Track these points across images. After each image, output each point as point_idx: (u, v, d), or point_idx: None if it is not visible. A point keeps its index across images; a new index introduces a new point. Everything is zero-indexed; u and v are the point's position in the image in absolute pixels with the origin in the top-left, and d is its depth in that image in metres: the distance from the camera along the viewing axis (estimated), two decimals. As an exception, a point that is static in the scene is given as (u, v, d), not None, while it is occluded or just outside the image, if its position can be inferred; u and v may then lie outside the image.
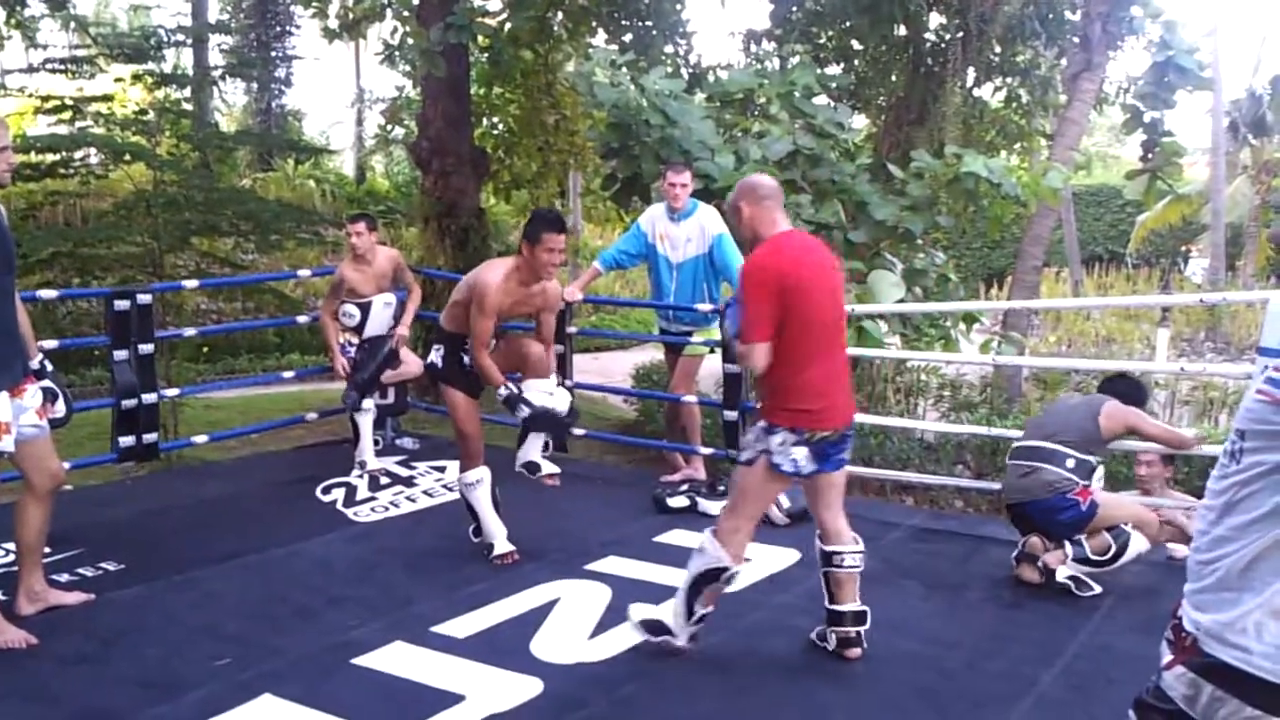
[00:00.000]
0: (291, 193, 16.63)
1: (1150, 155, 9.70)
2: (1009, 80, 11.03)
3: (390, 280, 6.23)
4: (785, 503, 5.26)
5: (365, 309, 6.11)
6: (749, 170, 6.61)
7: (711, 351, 6.09)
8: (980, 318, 7.91)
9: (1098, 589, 4.30)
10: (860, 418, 6.53)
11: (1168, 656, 1.87)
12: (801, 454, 3.52)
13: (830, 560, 3.70)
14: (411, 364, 6.23)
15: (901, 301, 6.54)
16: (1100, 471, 4.52)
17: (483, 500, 4.67)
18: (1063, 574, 4.36)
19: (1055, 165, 7.80)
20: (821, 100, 8.13)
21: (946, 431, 6.60)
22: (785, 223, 3.64)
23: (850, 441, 3.69)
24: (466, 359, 4.52)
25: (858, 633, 3.69)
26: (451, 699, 3.35)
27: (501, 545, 4.66)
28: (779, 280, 3.46)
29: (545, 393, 4.60)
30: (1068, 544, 4.35)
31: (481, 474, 4.67)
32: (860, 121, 11.34)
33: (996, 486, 5.03)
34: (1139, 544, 4.36)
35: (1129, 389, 4.69)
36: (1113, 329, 15.41)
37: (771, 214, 3.61)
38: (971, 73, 10.49)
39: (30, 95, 8.47)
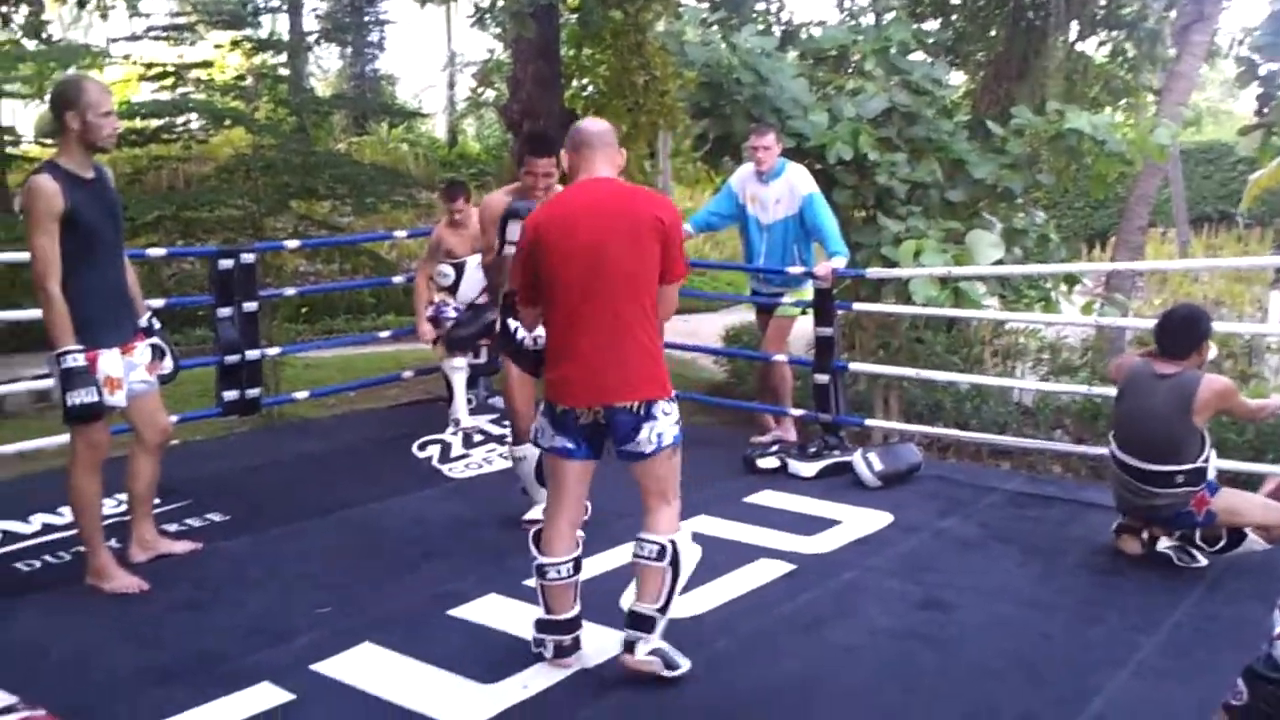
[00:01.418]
0: (385, 156, 16.87)
1: (1266, 110, 9.28)
2: (1115, 34, 10.63)
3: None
4: (878, 464, 5.21)
5: (459, 269, 6.18)
6: (844, 129, 6.50)
7: (803, 313, 6.02)
8: (1082, 279, 7.70)
9: (1203, 561, 4.16)
10: (954, 378, 6.47)
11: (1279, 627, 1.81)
12: (543, 423, 3.23)
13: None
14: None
15: (1000, 262, 6.39)
16: (1213, 458, 4.23)
17: (529, 473, 4.48)
18: (1165, 544, 4.22)
19: (1163, 121, 7.51)
20: (918, 56, 7.94)
21: (1046, 393, 6.47)
22: (602, 170, 3.21)
23: (642, 428, 3.11)
24: (514, 325, 4.10)
25: (634, 639, 3.19)
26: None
27: (535, 513, 4.46)
28: (528, 237, 3.18)
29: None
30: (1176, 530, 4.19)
31: (528, 450, 4.39)
32: (958, 78, 11.05)
33: (1098, 451, 4.87)
34: (1255, 545, 4.08)
35: (1193, 336, 4.08)
36: (1222, 291, 14.85)
37: (589, 162, 3.21)
38: (1075, 26, 10.14)
39: (134, 63, 8.73)
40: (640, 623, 3.16)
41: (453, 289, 6.26)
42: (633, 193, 3.24)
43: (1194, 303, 6.04)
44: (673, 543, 3.15)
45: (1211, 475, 4.10)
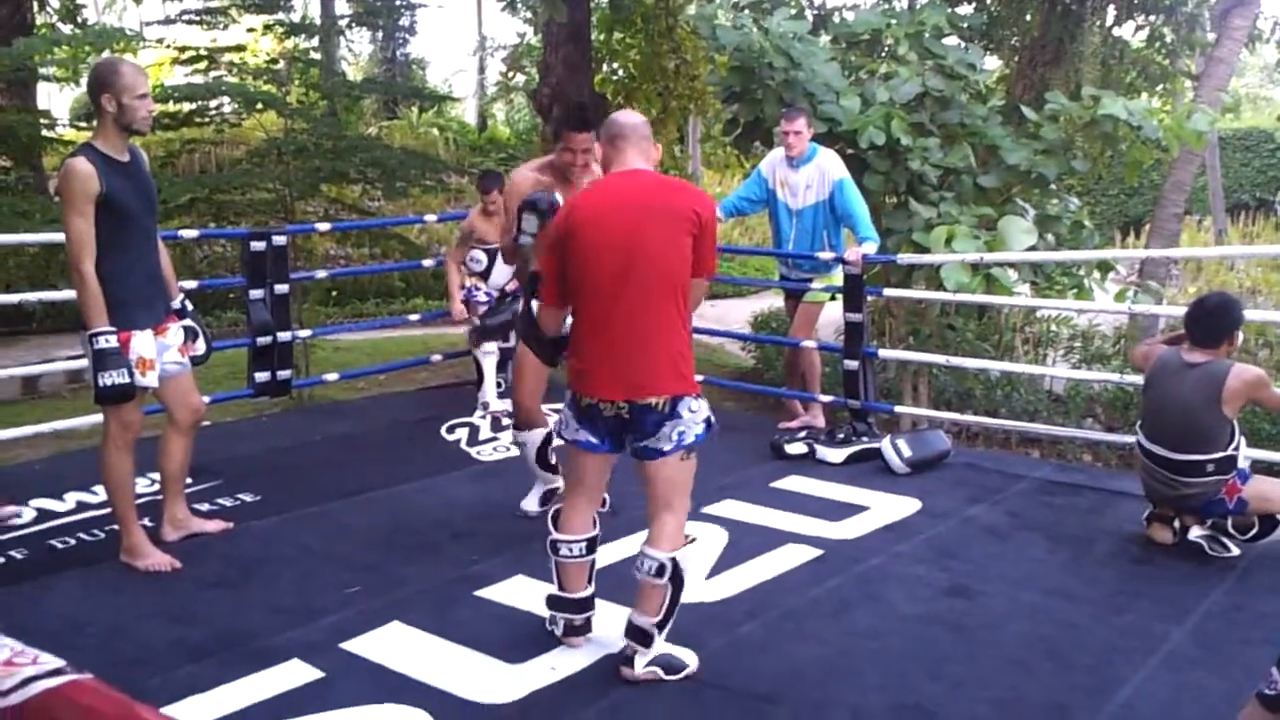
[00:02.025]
0: (415, 140, 16.93)
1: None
2: (1152, 18, 10.47)
3: None
4: (906, 451, 5.19)
5: (491, 255, 6.22)
6: (876, 113, 6.46)
7: (833, 299, 6.00)
8: (1116, 267, 7.61)
9: (1235, 551, 4.12)
10: (985, 365, 6.42)
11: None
12: (567, 415, 3.21)
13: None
14: None
15: (1033, 249, 6.33)
16: (1243, 446, 4.19)
17: (531, 458, 4.44)
18: (1196, 533, 4.18)
19: (1201, 107, 7.40)
20: (952, 41, 7.85)
21: (1077, 382, 6.41)
22: (636, 163, 3.15)
23: (665, 425, 3.06)
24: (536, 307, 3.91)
25: (632, 652, 3.13)
26: (571, 634, 3.42)
27: (530, 504, 4.54)
28: (560, 229, 3.11)
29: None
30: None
31: (529, 437, 4.39)
32: (992, 63, 10.92)
33: (1128, 439, 4.81)
34: None
35: (1223, 324, 4.04)
36: (1258, 280, 14.63)
37: (622, 154, 3.15)
38: (1111, 11, 10.00)
39: (168, 46, 8.78)
40: (638, 636, 3.12)
41: (484, 275, 6.32)
42: (669, 185, 3.19)
43: (1226, 291, 5.95)
44: (673, 561, 3.08)
45: (1242, 463, 4.06)
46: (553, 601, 3.35)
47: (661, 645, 3.13)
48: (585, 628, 3.34)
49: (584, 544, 3.27)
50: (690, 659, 3.18)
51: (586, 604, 3.33)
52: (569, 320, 3.26)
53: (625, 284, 3.02)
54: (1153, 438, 4.14)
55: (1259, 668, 1.89)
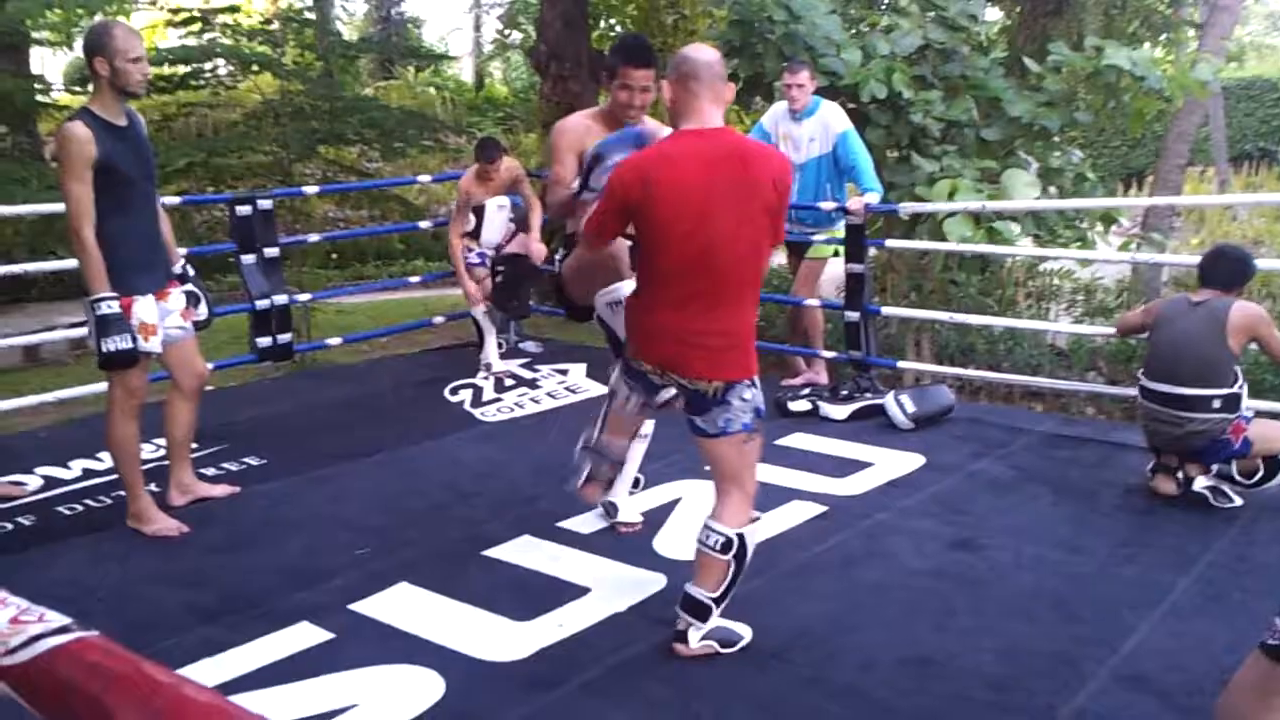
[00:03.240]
0: (412, 100, 16.78)
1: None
2: (1156, -35, 10.37)
3: (507, 191, 6.29)
4: (910, 406, 5.20)
5: (479, 211, 6.20)
6: (877, 66, 6.40)
7: (835, 254, 5.97)
8: (1119, 217, 7.58)
9: (1238, 501, 4.14)
10: (987, 320, 6.40)
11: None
12: (620, 370, 3.16)
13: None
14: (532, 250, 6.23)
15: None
16: (1245, 391, 4.23)
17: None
18: (1201, 483, 4.19)
19: (1205, 56, 7.34)
20: (953, -8, 7.76)
21: (1080, 336, 6.40)
22: (710, 111, 2.88)
23: (713, 410, 2.95)
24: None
25: (686, 626, 3.05)
26: (578, 590, 3.44)
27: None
28: (634, 193, 2.83)
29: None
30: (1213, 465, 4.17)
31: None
32: (994, 14, 10.81)
33: (1131, 392, 4.82)
34: None
35: (1235, 269, 4.16)
36: (1260, 231, 14.57)
37: (696, 101, 2.86)
38: (1115, -41, 9.88)
39: (161, 8, 8.70)
40: (695, 609, 3.02)
41: (474, 234, 6.28)
42: (751, 154, 2.90)
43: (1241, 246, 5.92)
44: (740, 536, 2.97)
45: (1245, 405, 4.09)
46: (585, 445, 3.28)
47: (716, 619, 3.06)
48: (608, 482, 3.34)
49: (640, 400, 3.16)
50: (745, 631, 3.12)
51: (619, 462, 3.34)
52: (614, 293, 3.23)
53: (699, 262, 2.84)
54: (1158, 376, 4.18)
55: (1263, 617, 1.89)
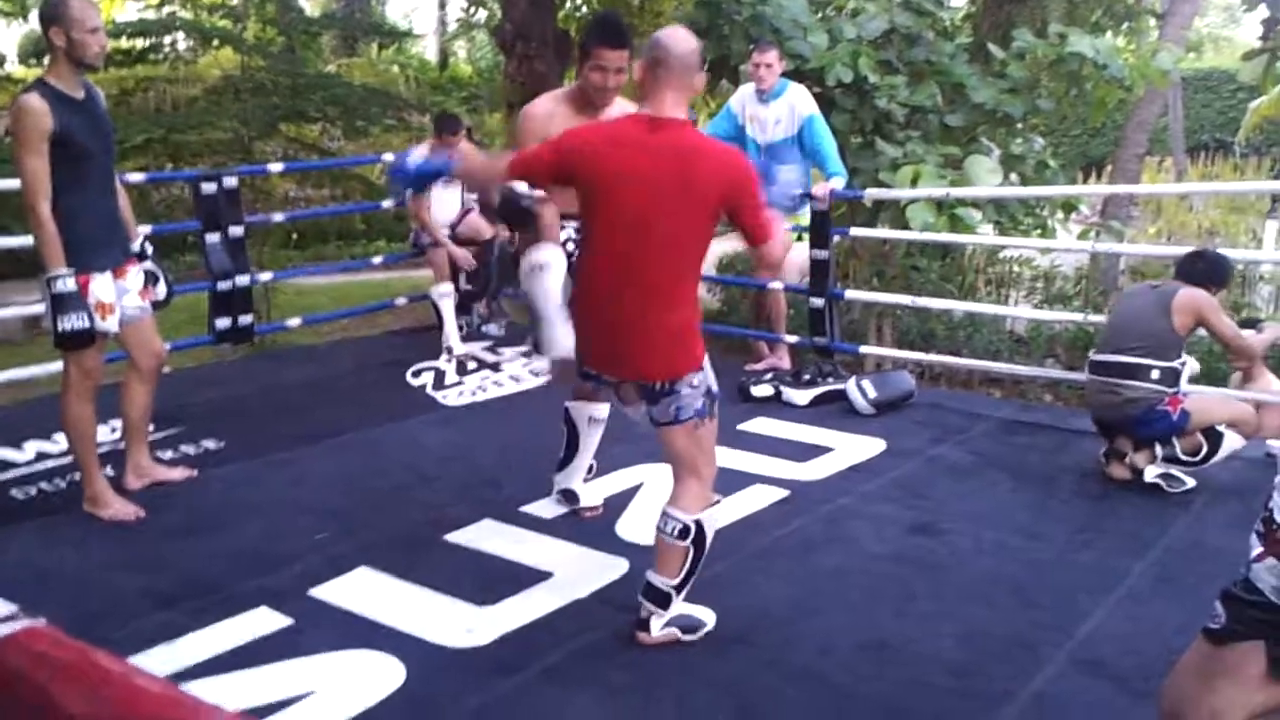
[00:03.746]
0: (376, 78, 16.58)
1: (1270, 35, 9.15)
2: (1119, -46, 10.43)
3: None
4: (871, 392, 5.23)
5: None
6: (843, 50, 6.40)
7: (800, 238, 5.98)
8: (1079, 205, 7.65)
9: (1190, 483, 4.21)
10: (949, 305, 6.44)
11: (1258, 549, 1.84)
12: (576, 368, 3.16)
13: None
14: (483, 229, 6.30)
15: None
16: (1190, 368, 4.35)
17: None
18: (1151, 473, 4.25)
19: (1166, 45, 7.42)
20: (919, -23, 7.78)
21: (1038, 321, 6.46)
22: (673, 107, 2.82)
23: (672, 400, 2.90)
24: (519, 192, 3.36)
25: (648, 614, 3.02)
26: (540, 575, 3.43)
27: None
28: (573, 157, 2.84)
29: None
30: (1158, 444, 4.24)
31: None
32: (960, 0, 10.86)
33: (1088, 378, 4.88)
34: (1233, 443, 4.20)
35: (1206, 269, 4.27)
36: (1216, 221, 14.77)
37: (660, 88, 2.81)
38: (1078, -54, 9.93)
39: (119, -21, 8.54)
40: (657, 597, 3.00)
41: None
42: (700, 152, 2.83)
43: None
44: (698, 523, 2.95)
45: (1185, 383, 4.22)
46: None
47: (679, 605, 3.04)
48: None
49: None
50: (708, 616, 3.10)
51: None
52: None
53: (631, 258, 2.81)
54: (1102, 348, 4.35)
55: (1215, 601, 1.93)
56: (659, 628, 3.03)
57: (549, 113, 3.57)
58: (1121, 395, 4.20)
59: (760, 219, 2.88)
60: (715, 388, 3.01)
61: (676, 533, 2.96)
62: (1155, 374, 4.13)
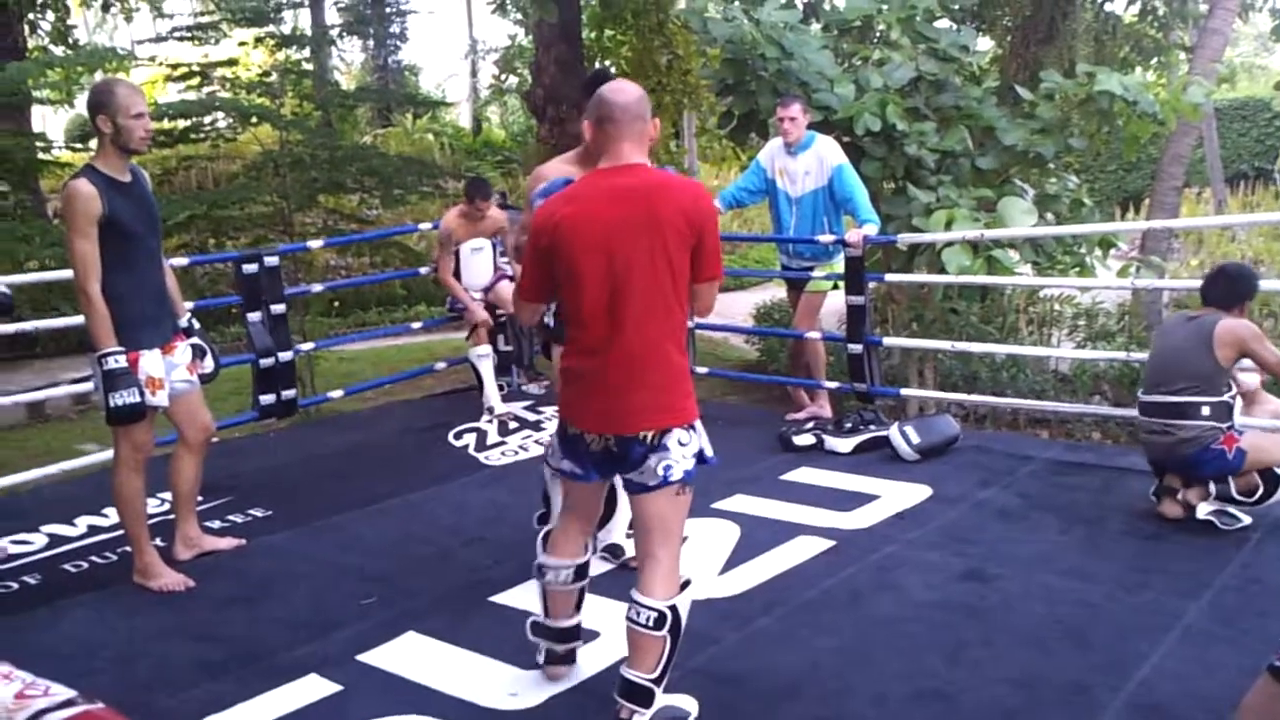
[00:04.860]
0: (411, 147, 16.90)
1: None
2: (1144, -9, 10.47)
3: (490, 238, 6.43)
4: (915, 437, 5.19)
5: (456, 256, 6.31)
6: (871, 99, 6.44)
7: (835, 287, 5.99)
8: (1117, 242, 7.59)
9: (1245, 520, 4.12)
10: (986, 348, 6.40)
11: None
12: (555, 442, 2.96)
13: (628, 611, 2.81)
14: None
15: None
16: (1239, 404, 4.27)
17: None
18: (1204, 510, 4.17)
19: (1196, 79, 7.38)
20: (944, 23, 7.84)
21: (1083, 360, 6.40)
22: (629, 152, 2.76)
23: (650, 458, 2.73)
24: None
25: (629, 714, 2.79)
26: (587, 635, 3.41)
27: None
28: (544, 240, 2.74)
29: None
30: (1212, 483, 4.16)
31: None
32: (985, 43, 10.91)
33: (1135, 414, 4.81)
34: None
35: (1229, 287, 4.17)
36: (1259, 250, 14.59)
37: (612, 144, 2.76)
38: (1103, -15, 9.99)
39: (160, 64, 8.78)
40: (635, 694, 2.77)
41: (456, 276, 6.38)
42: (662, 187, 2.74)
43: (1245, 264, 5.96)
44: (673, 609, 2.75)
45: (1238, 416, 4.11)
46: (536, 628, 3.13)
47: (660, 699, 2.81)
48: (569, 658, 3.16)
49: (571, 571, 3.02)
50: (691, 705, 2.91)
51: (571, 634, 3.12)
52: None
53: (616, 307, 2.71)
54: (1150, 387, 4.25)
55: (1277, 640, 1.88)
56: None
57: (559, 173, 3.54)
58: (1175, 435, 4.12)
59: (718, 255, 2.83)
60: (710, 453, 2.86)
61: (652, 623, 2.74)
62: (1206, 410, 4.06)
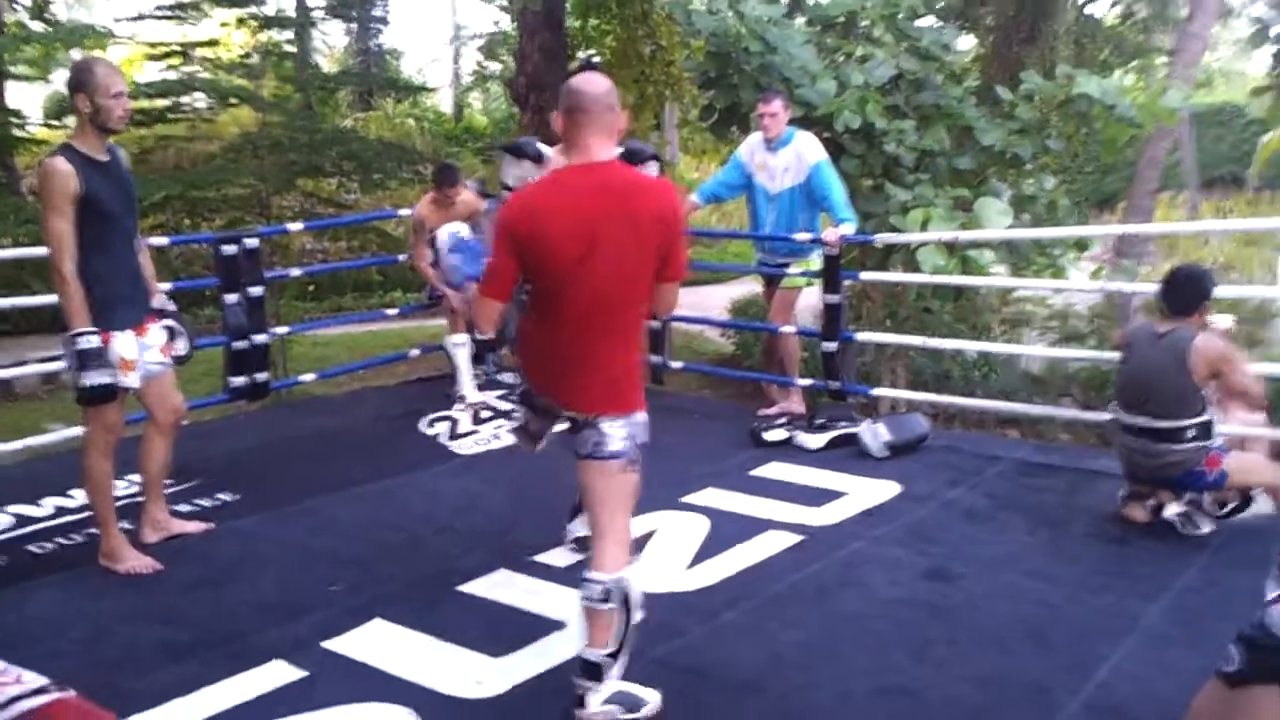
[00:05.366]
0: (391, 132, 16.83)
1: (1279, 71, 9.19)
2: (1125, -5, 10.54)
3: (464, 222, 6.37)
4: (885, 435, 5.22)
5: (433, 243, 6.24)
6: (851, 96, 6.46)
7: (809, 283, 6.01)
8: (1091, 245, 7.66)
9: (1207, 528, 4.16)
10: (961, 345, 6.45)
11: (1273, 593, 1.83)
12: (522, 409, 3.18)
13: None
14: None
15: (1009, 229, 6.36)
16: (1215, 415, 4.26)
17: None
18: (1172, 510, 4.21)
19: (1174, 83, 7.46)
20: (927, 21, 7.89)
21: (1054, 359, 6.45)
22: (597, 145, 2.80)
23: (592, 433, 2.87)
24: None
25: (583, 691, 2.83)
26: (553, 625, 3.43)
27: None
28: (513, 231, 2.77)
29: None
30: (1187, 493, 4.19)
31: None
32: (967, 43, 10.97)
33: (1105, 417, 4.85)
34: (1263, 507, 4.16)
35: (1191, 295, 4.13)
36: (1231, 256, 14.75)
37: (582, 135, 2.79)
38: (1084, -12, 10.05)
39: (139, 43, 8.72)
40: (591, 671, 2.81)
41: (433, 264, 6.33)
42: (639, 187, 2.84)
43: (1198, 264, 6.00)
44: (619, 582, 2.80)
45: (1217, 431, 4.13)
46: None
47: (617, 682, 2.83)
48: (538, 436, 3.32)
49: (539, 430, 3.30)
50: (651, 697, 2.86)
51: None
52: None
53: (579, 300, 2.79)
54: (1132, 409, 4.20)
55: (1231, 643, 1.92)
56: (598, 704, 2.81)
57: (555, 166, 3.59)
58: (1161, 459, 4.13)
59: (684, 255, 2.92)
60: (643, 439, 2.96)
61: (599, 596, 2.80)
62: (1191, 433, 4.04)
